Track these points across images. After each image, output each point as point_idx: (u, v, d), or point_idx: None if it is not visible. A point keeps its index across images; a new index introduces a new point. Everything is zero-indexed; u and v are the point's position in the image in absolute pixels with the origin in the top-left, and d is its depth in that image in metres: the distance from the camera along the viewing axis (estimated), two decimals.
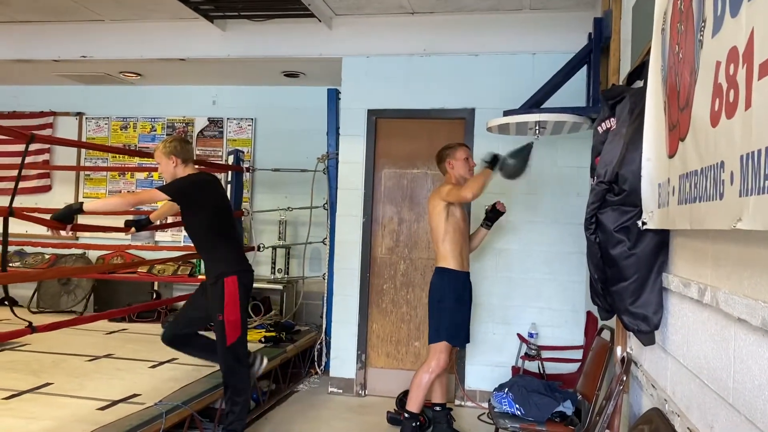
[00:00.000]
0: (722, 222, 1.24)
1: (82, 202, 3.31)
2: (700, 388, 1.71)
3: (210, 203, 3.55)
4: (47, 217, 3.37)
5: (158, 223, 4.35)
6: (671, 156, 1.70)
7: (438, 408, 4.04)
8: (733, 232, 1.43)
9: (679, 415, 1.85)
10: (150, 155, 3.89)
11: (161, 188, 3.43)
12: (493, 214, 4.09)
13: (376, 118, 5.14)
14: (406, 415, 3.83)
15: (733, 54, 1.19)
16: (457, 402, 4.87)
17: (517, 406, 3.45)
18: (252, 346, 4.85)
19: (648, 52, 2.12)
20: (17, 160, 5.81)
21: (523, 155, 3.67)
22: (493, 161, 3.66)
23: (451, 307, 3.80)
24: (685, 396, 1.86)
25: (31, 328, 3.26)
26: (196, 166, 3.78)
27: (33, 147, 6.68)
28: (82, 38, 5.55)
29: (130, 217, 4.12)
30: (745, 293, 1.35)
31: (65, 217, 3.26)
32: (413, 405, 3.81)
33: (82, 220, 4.62)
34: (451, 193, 3.75)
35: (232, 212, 3.80)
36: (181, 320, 3.79)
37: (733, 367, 1.46)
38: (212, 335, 3.60)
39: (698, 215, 1.43)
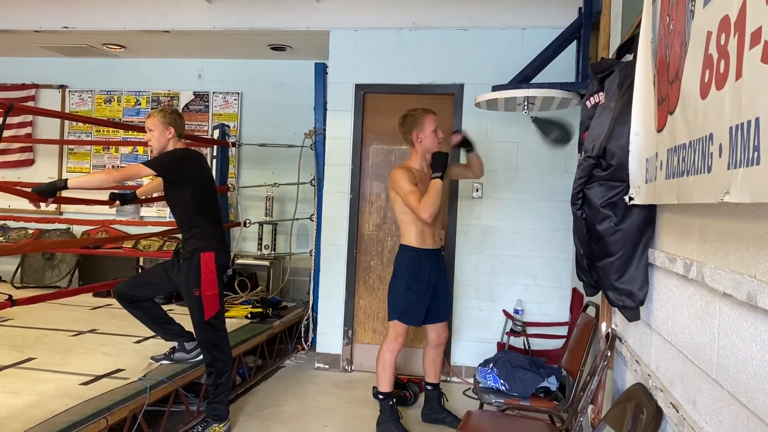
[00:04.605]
0: (710, 195, 1.22)
1: (67, 179, 3.24)
2: (683, 363, 1.71)
3: (194, 180, 3.50)
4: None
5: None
6: (660, 130, 1.68)
7: (430, 387, 4.04)
8: (720, 206, 1.42)
9: (662, 390, 1.85)
10: (135, 128, 3.82)
11: (146, 163, 3.37)
12: (466, 143, 3.88)
13: (364, 93, 5.08)
14: (380, 396, 3.78)
15: (725, 23, 1.16)
16: (443, 377, 4.88)
17: (501, 381, 3.47)
18: (238, 323, 4.86)
19: (638, 25, 2.08)
20: None
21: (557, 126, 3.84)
22: (442, 167, 3.58)
23: (404, 286, 3.73)
24: (668, 371, 1.87)
25: (11, 302, 3.22)
26: (186, 141, 3.72)
27: (16, 120, 6.67)
28: (63, 8, 5.41)
29: (116, 190, 4.06)
30: (731, 268, 1.34)
31: (47, 192, 3.20)
32: (383, 385, 3.77)
33: (65, 194, 4.56)
34: (409, 202, 3.60)
35: (215, 190, 3.74)
36: (141, 280, 3.76)
37: (717, 342, 1.46)
38: (182, 315, 3.55)
39: (686, 189, 1.41)
